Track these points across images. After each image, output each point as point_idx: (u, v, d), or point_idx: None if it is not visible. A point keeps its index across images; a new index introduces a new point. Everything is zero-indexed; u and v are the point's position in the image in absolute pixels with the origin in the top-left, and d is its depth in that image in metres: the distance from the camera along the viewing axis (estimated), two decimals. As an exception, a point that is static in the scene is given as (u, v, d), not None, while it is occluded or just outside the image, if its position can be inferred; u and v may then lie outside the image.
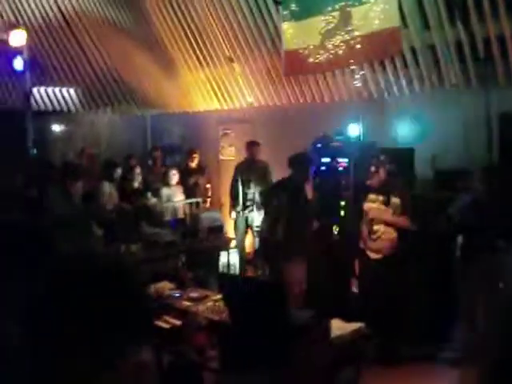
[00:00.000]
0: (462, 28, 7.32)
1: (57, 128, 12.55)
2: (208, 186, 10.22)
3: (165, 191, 9.22)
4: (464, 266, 5.95)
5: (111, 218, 8.28)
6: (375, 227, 6.15)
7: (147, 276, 6.27)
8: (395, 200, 6.08)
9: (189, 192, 9.65)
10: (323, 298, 6.25)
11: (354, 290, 6.61)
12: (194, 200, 9.49)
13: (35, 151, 9.75)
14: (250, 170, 9.21)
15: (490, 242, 5.50)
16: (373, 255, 6.16)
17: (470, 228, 5.88)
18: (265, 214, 7.07)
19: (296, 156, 6.79)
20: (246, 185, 9.16)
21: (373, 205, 6.21)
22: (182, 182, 9.69)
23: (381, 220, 6.11)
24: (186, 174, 9.91)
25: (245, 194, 9.15)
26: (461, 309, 5.79)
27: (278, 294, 3.71)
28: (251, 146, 9.29)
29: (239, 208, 9.22)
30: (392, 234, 6.10)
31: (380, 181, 6.23)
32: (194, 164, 10.06)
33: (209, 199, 10.24)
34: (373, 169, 6.24)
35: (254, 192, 9.09)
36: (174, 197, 9.31)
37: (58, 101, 12.01)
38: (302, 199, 6.54)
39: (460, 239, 6.46)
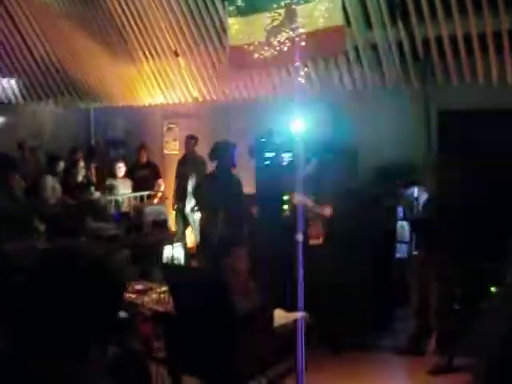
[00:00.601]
0: (403, 28, 7.53)
1: (-3, 119, 12.27)
2: (160, 180, 10.18)
3: (112, 182, 9.18)
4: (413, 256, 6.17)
5: (54, 213, 8.18)
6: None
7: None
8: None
9: (138, 186, 9.62)
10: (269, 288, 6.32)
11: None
12: (142, 193, 9.47)
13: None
14: (187, 164, 9.27)
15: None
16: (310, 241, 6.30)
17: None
18: (199, 207, 7.09)
19: (216, 145, 6.91)
20: (183, 179, 9.20)
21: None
22: (131, 175, 9.67)
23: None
24: (135, 168, 9.90)
25: (183, 189, 9.18)
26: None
27: (221, 282, 3.78)
28: (188, 140, 9.36)
29: (178, 202, 9.28)
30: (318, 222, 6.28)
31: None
32: (143, 158, 10.05)
33: (159, 194, 10.22)
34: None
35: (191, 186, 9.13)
36: (121, 190, 9.27)
37: (-2, 92, 11.77)
38: (234, 186, 6.62)
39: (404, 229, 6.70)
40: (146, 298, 4.95)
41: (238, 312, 3.76)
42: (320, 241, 6.30)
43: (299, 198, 6.13)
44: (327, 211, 6.22)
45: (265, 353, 3.84)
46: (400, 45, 7.76)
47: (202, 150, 9.32)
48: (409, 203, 6.62)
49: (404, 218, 7.31)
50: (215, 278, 3.93)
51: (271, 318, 4.00)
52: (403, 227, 7.39)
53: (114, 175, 9.32)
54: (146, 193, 9.60)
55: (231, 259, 6.14)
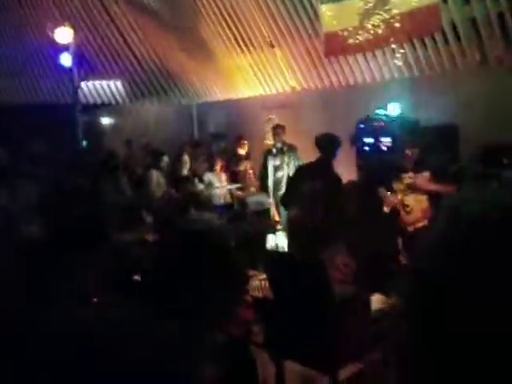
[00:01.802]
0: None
1: (106, 120, 12.88)
2: (251, 171, 10.25)
3: (208, 176, 9.39)
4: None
5: (160, 205, 8.50)
6: (407, 201, 6.19)
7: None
8: (426, 173, 6.11)
9: (239, 178, 9.79)
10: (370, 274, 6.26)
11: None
12: (237, 185, 9.60)
13: (85, 143, 10.07)
14: (279, 154, 9.21)
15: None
16: (409, 228, 6.17)
17: None
18: (290, 197, 6.86)
19: (322, 137, 6.66)
20: (279, 170, 9.14)
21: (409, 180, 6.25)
22: (231, 168, 9.84)
23: (419, 191, 6.14)
24: (235, 161, 10.05)
25: (278, 179, 9.12)
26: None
27: (318, 270, 3.81)
28: (276, 130, 9.30)
29: (275, 192, 9.27)
30: (424, 204, 6.11)
31: (412, 162, 6.28)
32: (243, 150, 10.17)
33: (255, 184, 10.31)
34: (407, 152, 6.30)
35: (282, 175, 9.07)
36: (217, 182, 9.48)
37: (106, 94, 12.34)
38: (334, 180, 6.46)
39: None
40: (248, 286, 5.07)
41: (335, 297, 3.78)
42: (425, 222, 6.12)
43: (423, 182, 6.08)
44: (451, 189, 5.98)
45: (362, 337, 3.84)
46: (501, 17, 7.41)
47: (301, 138, 9.35)
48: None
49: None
50: (314, 265, 3.97)
51: (368, 303, 3.99)
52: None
53: (211, 169, 9.54)
54: (241, 185, 9.69)
55: (329, 254, 6.09)
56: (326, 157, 6.45)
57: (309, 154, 9.10)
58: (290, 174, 8.46)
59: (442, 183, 6.04)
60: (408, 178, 6.31)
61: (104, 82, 12.20)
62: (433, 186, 6.07)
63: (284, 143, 9.08)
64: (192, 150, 10.81)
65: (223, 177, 9.57)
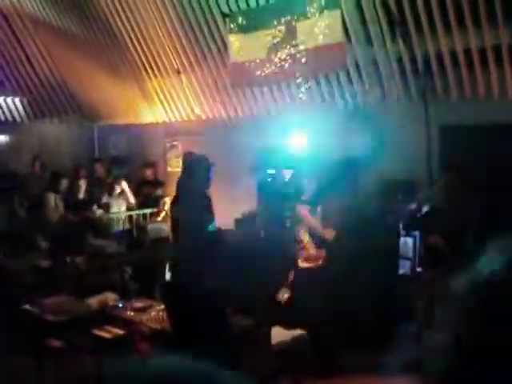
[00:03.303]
0: (403, 44, 7.53)
1: (2, 138, 12.32)
2: (166, 199, 10.06)
3: (110, 201, 9.18)
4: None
5: (56, 230, 8.19)
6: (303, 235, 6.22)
7: (92, 288, 6.24)
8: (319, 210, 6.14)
9: (142, 203, 9.61)
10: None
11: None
12: (138, 212, 9.42)
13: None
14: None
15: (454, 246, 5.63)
16: (304, 264, 6.15)
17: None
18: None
19: (191, 158, 6.46)
20: None
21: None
22: (136, 192, 9.67)
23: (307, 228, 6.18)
24: (140, 185, 9.90)
25: None
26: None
27: (216, 298, 3.75)
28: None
29: None
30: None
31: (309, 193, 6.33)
32: (149, 175, 10.05)
33: (163, 212, 10.16)
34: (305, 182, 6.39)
35: None
36: (117, 207, 9.27)
37: (3, 111, 11.84)
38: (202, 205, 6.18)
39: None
40: (145, 316, 4.93)
41: (234, 328, 3.73)
42: (317, 263, 6.10)
43: (303, 213, 6.08)
44: (329, 234, 5.95)
45: (262, 370, 3.80)
46: (400, 60, 7.76)
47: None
48: (409, 218, 6.59)
49: (406, 234, 7.27)
50: (208, 295, 3.91)
51: (268, 336, 3.97)
52: (406, 243, 7.35)
53: (110, 193, 9.32)
54: (147, 211, 9.56)
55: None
56: (195, 182, 6.16)
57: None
58: None
59: (324, 221, 6.06)
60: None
61: (1, 98, 11.69)
62: (310, 220, 6.06)
63: None
64: (89, 173, 10.50)
65: (123, 202, 9.37)
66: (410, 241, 7.23)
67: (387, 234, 6.45)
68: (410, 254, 7.27)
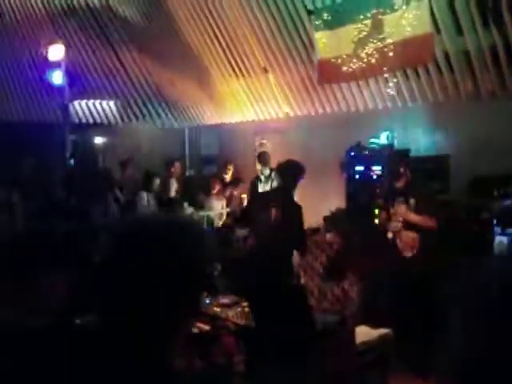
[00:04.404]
0: (497, 32, 7.21)
1: (98, 140, 12.79)
2: (244, 196, 10.14)
3: (204, 200, 9.31)
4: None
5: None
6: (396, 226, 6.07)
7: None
8: (412, 201, 6.00)
9: (226, 203, 9.71)
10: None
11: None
12: (227, 210, 9.51)
13: (72, 163, 9.98)
14: (267, 180, 9.21)
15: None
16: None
17: None
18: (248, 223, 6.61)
19: (284, 164, 6.35)
20: None
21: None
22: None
23: (403, 220, 6.03)
24: (221, 185, 10.00)
25: None
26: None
27: (301, 297, 3.72)
28: (259, 157, 9.38)
29: None
30: (412, 235, 5.99)
31: (404, 183, 6.18)
32: (228, 176, 10.13)
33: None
34: (401, 170, 6.21)
35: None
36: (214, 206, 9.39)
37: (99, 113, 12.28)
38: (293, 208, 6.08)
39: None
40: (231, 312, 4.97)
41: (318, 327, 3.69)
42: (414, 252, 6.01)
43: (402, 211, 5.97)
44: (431, 223, 5.85)
45: (346, 369, 3.74)
46: (494, 50, 7.43)
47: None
48: (505, 214, 6.30)
49: (502, 232, 6.95)
50: (294, 293, 3.88)
51: (353, 334, 3.90)
52: (501, 242, 7.03)
53: (207, 192, 9.45)
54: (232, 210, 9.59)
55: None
56: (285, 185, 6.15)
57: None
58: None
59: (423, 215, 5.93)
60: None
61: (97, 102, 12.14)
62: (412, 217, 5.96)
63: (272, 169, 9.02)
64: (181, 172, 10.68)
65: (221, 201, 9.49)
66: (505, 240, 6.91)
67: (481, 230, 6.19)
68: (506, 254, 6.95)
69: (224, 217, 9.49)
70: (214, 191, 9.51)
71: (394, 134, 8.44)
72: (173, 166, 10.12)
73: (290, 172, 6.09)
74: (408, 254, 6.03)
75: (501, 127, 7.51)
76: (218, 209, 9.46)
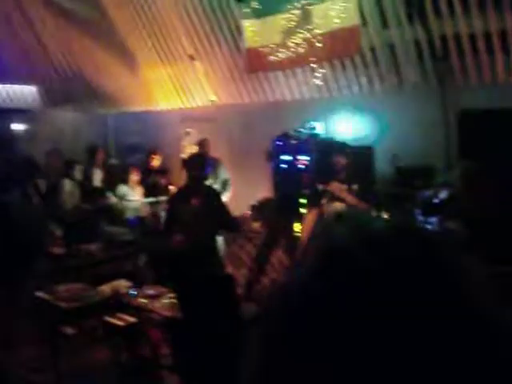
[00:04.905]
0: (421, 26, 7.38)
1: (18, 126, 12.32)
2: (171, 187, 9.95)
3: (123, 189, 9.09)
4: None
5: (70, 218, 8.18)
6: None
7: (106, 275, 6.21)
8: (355, 187, 6.15)
9: (149, 191, 9.52)
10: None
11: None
12: (154, 199, 9.31)
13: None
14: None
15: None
16: None
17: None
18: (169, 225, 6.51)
19: (190, 158, 6.63)
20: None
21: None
22: (143, 181, 9.58)
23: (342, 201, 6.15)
24: (146, 174, 9.81)
25: None
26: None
27: (228, 286, 3.69)
28: (198, 144, 9.26)
29: None
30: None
31: (344, 170, 6.32)
32: (154, 164, 9.93)
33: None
34: (340, 160, 6.32)
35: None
36: (132, 196, 9.20)
37: (19, 99, 11.84)
38: (211, 196, 6.29)
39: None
40: (157, 304, 4.88)
41: (245, 316, 3.66)
42: None
43: (337, 186, 6.07)
44: (364, 206, 6.03)
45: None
46: (417, 44, 7.61)
47: (220, 153, 9.27)
48: (427, 204, 6.48)
49: (424, 221, 7.15)
50: (220, 281, 3.84)
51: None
52: (424, 230, 7.21)
53: (125, 181, 9.23)
54: (159, 199, 9.41)
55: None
56: (196, 176, 6.24)
57: (227, 168, 9.09)
58: (218, 188, 8.32)
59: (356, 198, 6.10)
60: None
61: (16, 86, 11.69)
62: (347, 195, 6.10)
63: (214, 159, 8.97)
64: (104, 160, 10.41)
65: (138, 190, 9.29)
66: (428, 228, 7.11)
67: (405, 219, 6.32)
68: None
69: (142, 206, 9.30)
70: (133, 180, 9.29)
71: (321, 124, 8.53)
72: (96, 153, 9.86)
73: (198, 165, 6.25)
74: None
75: (422, 118, 7.71)
76: (136, 198, 9.25)
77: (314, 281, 0.51)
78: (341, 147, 6.64)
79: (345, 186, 6.26)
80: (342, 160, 6.36)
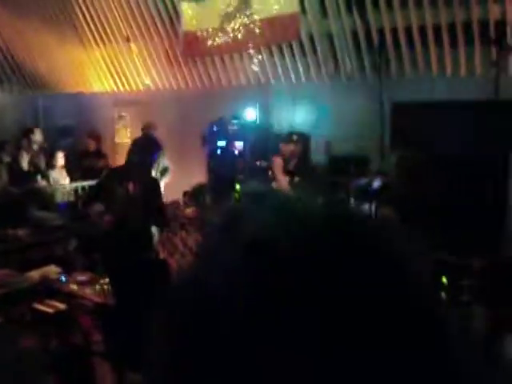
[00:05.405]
0: (358, 17, 7.44)
1: None
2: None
3: (51, 173, 8.84)
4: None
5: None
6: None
7: (35, 261, 6.01)
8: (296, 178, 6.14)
9: (85, 175, 9.27)
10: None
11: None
12: (83, 183, 9.06)
13: None
14: None
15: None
16: None
17: None
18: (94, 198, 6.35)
19: (139, 139, 6.46)
20: None
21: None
22: (78, 164, 9.34)
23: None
24: (82, 157, 9.56)
25: None
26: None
27: (161, 271, 3.61)
28: (145, 127, 9.02)
29: None
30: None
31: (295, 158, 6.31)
32: (91, 146, 9.67)
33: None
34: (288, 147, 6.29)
35: None
36: (60, 179, 8.95)
37: None
38: (151, 183, 6.08)
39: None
40: (88, 290, 4.74)
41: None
42: None
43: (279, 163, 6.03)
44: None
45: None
46: (355, 35, 7.67)
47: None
48: (360, 193, 6.57)
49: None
50: (154, 266, 3.76)
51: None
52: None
53: (52, 165, 8.96)
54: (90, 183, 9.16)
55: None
56: (142, 160, 6.02)
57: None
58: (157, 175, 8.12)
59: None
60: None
61: None
62: (282, 177, 6.08)
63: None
64: (31, 142, 10.03)
65: (64, 173, 9.02)
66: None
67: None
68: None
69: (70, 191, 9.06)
70: (58, 164, 9.02)
71: (257, 110, 8.51)
72: (31, 135, 9.51)
73: (146, 148, 6.01)
74: None
75: (358, 108, 7.79)
76: (63, 182, 9.00)
77: (237, 275, 0.45)
78: (288, 135, 6.58)
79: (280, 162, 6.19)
80: (289, 147, 6.30)
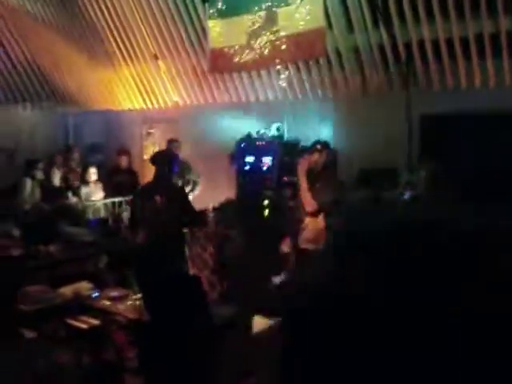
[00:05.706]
0: (385, 31, 7.44)
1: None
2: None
3: (83, 189, 8.96)
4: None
5: (29, 218, 8.00)
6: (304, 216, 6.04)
7: (66, 277, 6.07)
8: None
9: (115, 191, 9.38)
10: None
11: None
12: (114, 199, 9.16)
13: None
14: None
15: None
16: (303, 245, 5.99)
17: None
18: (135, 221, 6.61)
19: (156, 154, 6.60)
20: None
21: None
22: (108, 180, 9.45)
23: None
24: (113, 173, 9.68)
25: None
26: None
27: (196, 287, 3.63)
28: (169, 144, 9.11)
29: None
30: (319, 225, 5.94)
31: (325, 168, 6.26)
32: (123, 163, 9.78)
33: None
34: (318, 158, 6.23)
35: None
36: (93, 195, 9.06)
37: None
38: (176, 192, 6.32)
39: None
40: (121, 306, 4.78)
41: (214, 319, 3.61)
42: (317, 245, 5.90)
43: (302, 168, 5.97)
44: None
45: (244, 363, 3.69)
46: (382, 48, 7.67)
47: (183, 154, 9.17)
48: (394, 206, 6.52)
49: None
50: (189, 282, 3.78)
51: (250, 326, 3.86)
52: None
53: (84, 180, 9.09)
54: (122, 199, 9.28)
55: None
56: (162, 173, 6.23)
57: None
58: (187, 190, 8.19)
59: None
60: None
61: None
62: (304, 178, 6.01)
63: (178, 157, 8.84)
64: (64, 160, 10.21)
65: (99, 189, 9.15)
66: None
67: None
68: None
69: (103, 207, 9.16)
70: (91, 179, 9.15)
71: (284, 126, 8.55)
72: (68, 153, 9.73)
73: (164, 161, 6.21)
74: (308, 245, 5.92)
75: (385, 123, 7.78)
76: (95, 198, 9.11)
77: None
78: (312, 144, 6.55)
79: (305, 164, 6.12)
80: (313, 157, 6.22)
